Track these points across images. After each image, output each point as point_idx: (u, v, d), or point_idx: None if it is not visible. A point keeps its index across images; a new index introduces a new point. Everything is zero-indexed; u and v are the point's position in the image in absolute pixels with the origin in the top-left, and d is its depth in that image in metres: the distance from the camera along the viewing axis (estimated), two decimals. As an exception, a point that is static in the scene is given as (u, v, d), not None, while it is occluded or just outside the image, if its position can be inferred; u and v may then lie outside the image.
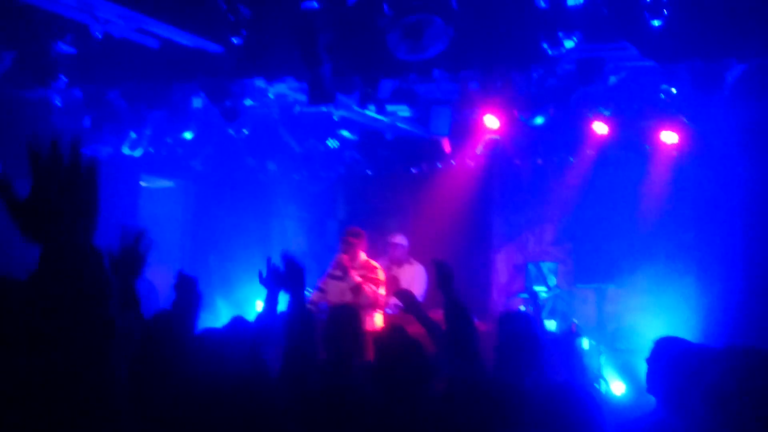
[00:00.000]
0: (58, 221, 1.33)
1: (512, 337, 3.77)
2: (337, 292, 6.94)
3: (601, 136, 7.90)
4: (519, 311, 5.32)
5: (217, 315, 7.17)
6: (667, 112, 7.55)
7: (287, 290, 3.27)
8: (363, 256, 7.17)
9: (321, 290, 7.14)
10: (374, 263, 7.18)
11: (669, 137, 7.80)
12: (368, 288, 6.89)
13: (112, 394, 1.33)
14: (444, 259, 3.96)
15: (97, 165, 1.40)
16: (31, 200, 1.36)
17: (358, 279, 6.92)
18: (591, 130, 7.84)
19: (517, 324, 4.17)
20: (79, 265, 1.31)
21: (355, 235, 7.15)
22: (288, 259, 3.27)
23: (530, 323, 4.52)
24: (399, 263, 7.80)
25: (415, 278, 7.70)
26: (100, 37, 5.65)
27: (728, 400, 2.36)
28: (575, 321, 8.26)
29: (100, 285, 1.32)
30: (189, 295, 4.15)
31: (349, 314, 4.07)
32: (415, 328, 4.35)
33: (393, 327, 4.95)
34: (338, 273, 7.06)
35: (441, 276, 3.81)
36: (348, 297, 6.83)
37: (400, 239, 7.91)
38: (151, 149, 8.74)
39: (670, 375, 3.15)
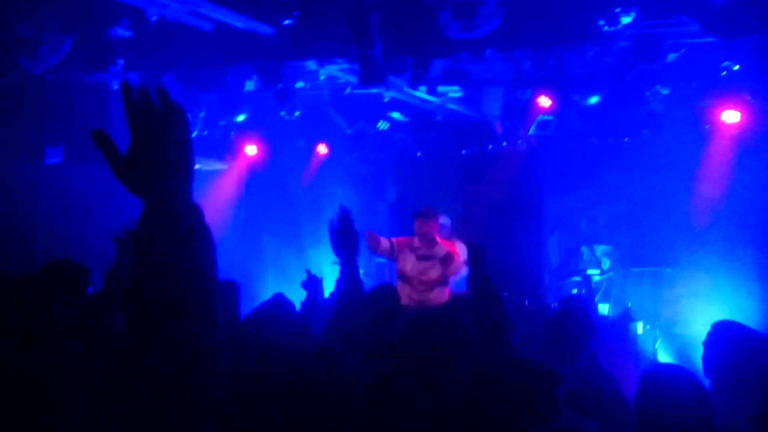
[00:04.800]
0: (160, 171, 1.28)
1: (568, 321, 3.70)
2: (419, 268, 6.61)
3: (659, 115, 7.71)
4: (578, 297, 5.19)
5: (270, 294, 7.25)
6: (729, 91, 7.30)
7: (339, 250, 3.00)
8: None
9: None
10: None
11: (730, 116, 7.55)
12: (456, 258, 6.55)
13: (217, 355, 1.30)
14: (479, 243, 3.86)
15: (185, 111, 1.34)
16: (132, 151, 1.29)
17: (444, 250, 6.59)
18: (649, 109, 7.66)
19: (573, 309, 4.10)
20: (183, 218, 1.27)
21: (432, 215, 6.77)
22: (344, 214, 2.98)
23: (587, 309, 4.45)
24: None
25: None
26: (155, 20, 5.73)
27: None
28: (629, 305, 8.11)
29: (205, 239, 1.28)
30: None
31: (390, 291, 3.92)
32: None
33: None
34: (421, 252, 6.64)
35: (473, 255, 3.77)
36: (433, 274, 6.57)
37: (443, 219, 7.81)
38: (204, 132, 8.87)
39: (725, 357, 3.13)
